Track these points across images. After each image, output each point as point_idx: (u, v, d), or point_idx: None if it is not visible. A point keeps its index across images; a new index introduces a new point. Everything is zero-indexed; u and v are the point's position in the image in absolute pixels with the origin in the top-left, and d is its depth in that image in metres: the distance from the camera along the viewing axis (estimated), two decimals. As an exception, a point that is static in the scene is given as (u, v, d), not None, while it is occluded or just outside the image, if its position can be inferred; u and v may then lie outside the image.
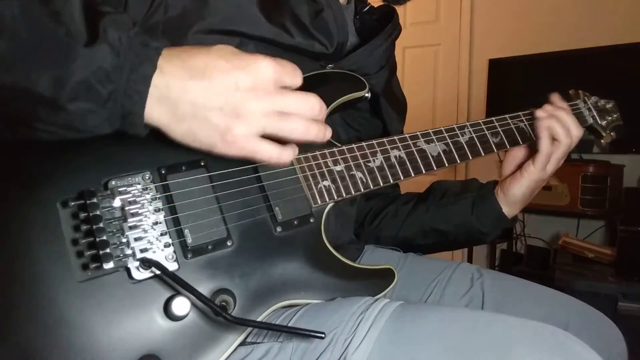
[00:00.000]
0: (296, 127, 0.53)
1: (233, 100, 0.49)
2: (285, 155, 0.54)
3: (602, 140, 0.97)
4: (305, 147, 0.66)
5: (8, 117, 0.48)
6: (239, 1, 0.65)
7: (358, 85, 0.76)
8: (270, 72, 0.51)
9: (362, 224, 0.99)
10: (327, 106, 0.72)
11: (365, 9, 0.89)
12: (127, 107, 0.48)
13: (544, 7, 2.75)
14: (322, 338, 0.52)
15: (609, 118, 0.99)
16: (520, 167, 0.86)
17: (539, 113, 0.83)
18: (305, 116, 0.53)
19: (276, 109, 0.51)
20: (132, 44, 0.48)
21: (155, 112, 0.49)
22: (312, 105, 0.54)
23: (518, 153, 0.88)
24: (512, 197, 0.85)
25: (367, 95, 0.76)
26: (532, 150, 0.85)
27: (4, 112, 0.48)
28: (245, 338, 0.56)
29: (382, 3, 0.92)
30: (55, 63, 0.46)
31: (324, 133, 0.55)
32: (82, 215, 0.51)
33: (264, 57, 0.51)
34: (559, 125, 0.81)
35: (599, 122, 0.97)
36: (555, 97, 0.86)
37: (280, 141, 0.53)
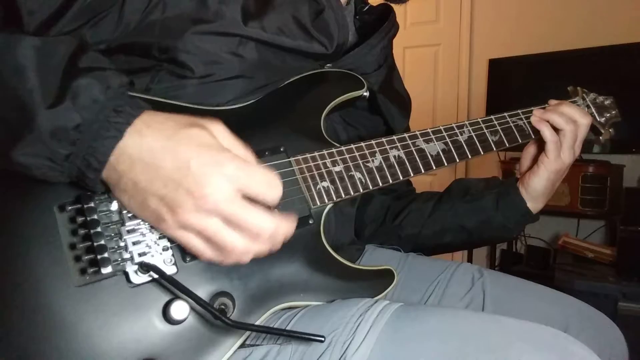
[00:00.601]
0: (233, 244, 0.48)
1: (174, 196, 0.46)
2: (218, 260, 0.50)
3: (600, 137, 0.97)
4: (303, 148, 0.66)
5: None
6: (233, 2, 0.64)
7: (356, 84, 0.75)
8: (230, 182, 0.46)
9: (383, 222, 0.98)
10: (326, 105, 0.72)
11: (365, 9, 0.89)
12: (82, 170, 0.47)
13: (544, 7, 2.75)
14: (321, 342, 0.51)
15: (608, 115, 0.99)
16: (536, 161, 0.87)
17: (536, 112, 0.85)
18: (251, 235, 0.48)
19: (222, 217, 0.47)
20: (103, 109, 0.46)
21: (104, 173, 0.48)
22: (261, 229, 0.48)
23: (532, 149, 0.89)
24: (534, 191, 0.86)
25: (365, 94, 0.76)
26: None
27: None
28: (244, 341, 0.56)
29: (381, 2, 0.92)
30: (15, 114, 0.45)
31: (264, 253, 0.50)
32: (80, 219, 0.51)
33: (229, 162, 0.47)
34: (555, 115, 0.82)
35: (598, 119, 0.97)
36: (552, 101, 0.88)
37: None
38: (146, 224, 0.53)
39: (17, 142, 0.45)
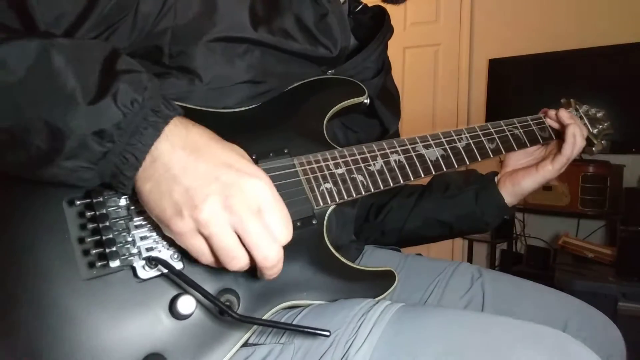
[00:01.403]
0: (238, 260, 0.48)
1: (203, 189, 0.46)
2: (216, 266, 0.50)
3: (593, 148, 0.99)
4: (306, 150, 0.66)
5: None
6: (244, 7, 0.65)
7: (357, 91, 0.77)
8: (258, 192, 0.47)
9: (366, 218, 1.00)
10: (329, 110, 0.73)
11: (359, 9, 0.89)
12: (120, 167, 0.47)
13: (544, 7, 2.76)
14: (327, 336, 0.52)
15: (600, 127, 1.02)
16: (533, 163, 0.91)
17: (569, 118, 0.90)
18: (257, 258, 0.48)
19: (236, 228, 0.47)
20: (142, 108, 0.47)
21: None
22: (269, 258, 0.48)
23: (531, 149, 0.94)
24: (521, 190, 0.90)
25: (366, 101, 0.77)
26: (546, 149, 0.93)
27: None
28: (248, 339, 0.56)
29: (375, 2, 0.93)
30: (57, 115, 0.45)
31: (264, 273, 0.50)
32: (89, 214, 0.51)
33: (264, 178, 0.48)
34: (579, 133, 0.88)
35: (591, 130, 1.00)
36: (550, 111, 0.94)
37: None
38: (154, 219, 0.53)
39: (62, 147, 0.45)
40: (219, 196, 0.46)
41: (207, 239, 0.47)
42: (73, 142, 0.46)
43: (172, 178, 0.47)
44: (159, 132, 0.47)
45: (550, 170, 0.88)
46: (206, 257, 0.49)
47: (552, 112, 0.93)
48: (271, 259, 0.48)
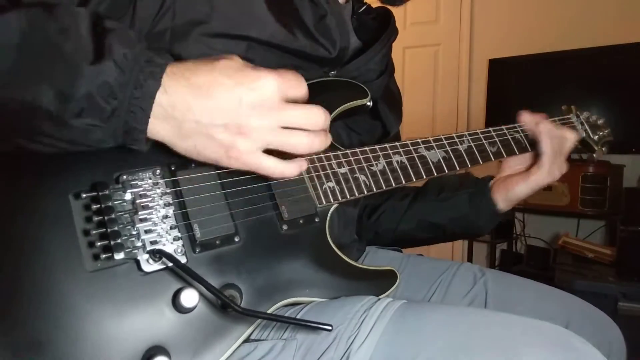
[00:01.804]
0: (300, 141, 0.54)
1: (236, 117, 0.51)
2: (289, 169, 0.55)
3: (594, 155, 1.00)
4: None
5: (6, 130, 0.49)
6: (245, 6, 0.65)
7: (360, 94, 0.77)
8: (273, 87, 0.52)
9: (359, 219, 1.00)
10: (330, 113, 0.73)
11: (363, 9, 0.89)
12: (130, 123, 0.49)
13: (544, 7, 2.76)
14: (329, 330, 0.52)
15: (601, 133, 1.02)
16: (525, 168, 0.89)
17: (534, 119, 0.87)
18: (310, 129, 0.55)
19: (280, 124, 0.53)
20: (136, 61, 0.49)
21: (160, 129, 0.51)
22: (317, 117, 0.55)
23: (526, 155, 0.91)
24: (514, 195, 0.88)
25: (368, 103, 0.77)
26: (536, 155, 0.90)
27: (2, 125, 0.48)
28: (250, 334, 0.56)
29: (379, 3, 0.93)
30: (61, 79, 0.47)
31: (326, 143, 0.57)
32: (94, 206, 0.52)
33: (267, 73, 0.52)
34: (550, 127, 0.85)
35: (591, 137, 1.00)
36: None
37: (286, 153, 0.55)
38: (158, 213, 0.54)
39: (69, 104, 0.47)
40: (253, 112, 0.51)
41: (268, 147, 0.53)
42: (79, 101, 0.47)
43: (206, 126, 0.51)
44: (158, 81, 0.49)
45: (540, 174, 0.85)
46: (274, 169, 0.54)
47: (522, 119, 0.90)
48: (319, 117, 0.55)
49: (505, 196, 0.89)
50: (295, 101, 0.55)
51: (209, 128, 0.51)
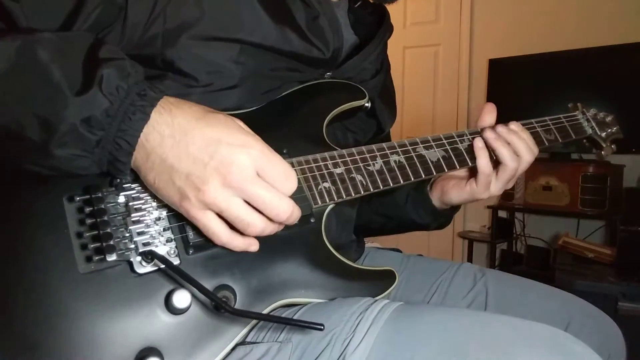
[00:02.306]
0: (254, 223, 0.51)
1: (201, 172, 0.49)
2: (234, 244, 0.53)
3: (602, 152, 0.98)
4: (305, 151, 0.66)
5: None
6: (236, 8, 0.65)
7: (358, 95, 0.77)
8: (253, 160, 0.49)
9: None
10: (328, 113, 0.73)
11: (358, 4, 0.89)
12: (114, 154, 0.49)
13: (544, 7, 2.76)
14: (320, 329, 0.52)
15: (609, 130, 1.00)
16: (465, 175, 0.84)
17: (485, 134, 0.78)
18: (269, 217, 0.52)
19: (242, 197, 0.50)
20: (128, 94, 0.49)
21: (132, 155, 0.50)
22: (283, 210, 0.51)
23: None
24: (449, 201, 0.85)
25: (367, 104, 0.77)
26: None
27: None
28: (245, 337, 0.56)
29: None
30: (46, 109, 0.47)
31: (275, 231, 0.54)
32: (87, 209, 0.52)
33: (256, 144, 0.50)
34: (502, 147, 0.76)
35: (599, 134, 0.98)
36: (513, 123, 0.82)
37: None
38: (151, 215, 0.54)
39: (53, 136, 0.47)
40: (217, 176, 0.49)
41: (219, 215, 0.50)
42: (64, 132, 0.47)
43: (169, 167, 0.49)
44: (147, 115, 0.49)
45: (475, 189, 0.79)
46: (220, 235, 0.51)
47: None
48: (283, 212, 0.51)
49: (439, 197, 0.86)
50: (273, 186, 0.51)
51: (171, 171, 0.49)
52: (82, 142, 0.48)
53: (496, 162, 0.78)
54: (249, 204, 0.51)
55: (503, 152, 0.76)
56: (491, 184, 0.78)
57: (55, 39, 0.49)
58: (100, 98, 0.47)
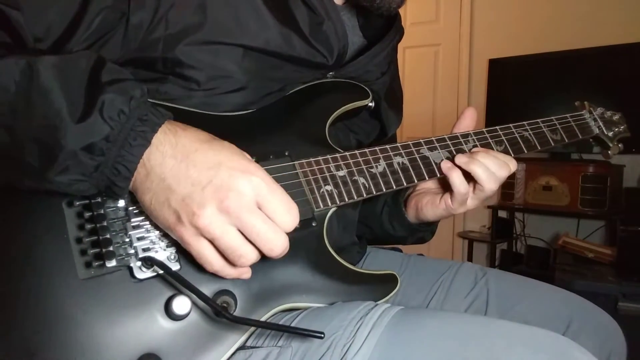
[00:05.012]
0: (247, 254, 0.48)
1: (198, 196, 0.47)
2: (226, 272, 0.51)
3: (609, 151, 0.97)
4: (307, 153, 0.66)
5: None
6: (239, 13, 0.64)
7: (361, 94, 0.76)
8: (254, 189, 0.48)
9: None
10: (331, 113, 0.72)
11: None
12: (112, 179, 0.48)
13: (544, 7, 2.75)
14: (321, 338, 0.52)
15: (616, 129, 0.99)
16: (438, 191, 0.81)
17: (457, 159, 0.74)
18: (263, 251, 0.49)
19: (237, 227, 0.48)
20: (129, 118, 0.47)
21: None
22: (278, 245, 0.49)
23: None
24: (424, 217, 0.82)
25: (370, 104, 0.76)
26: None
27: None
28: (245, 341, 0.56)
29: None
30: (46, 134, 0.46)
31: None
32: (87, 214, 0.52)
33: (258, 173, 0.49)
34: (478, 167, 0.72)
35: (606, 133, 0.97)
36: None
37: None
38: (151, 220, 0.53)
39: (53, 163, 0.46)
40: (214, 200, 0.47)
41: (211, 242, 0.48)
42: (64, 158, 0.46)
43: (167, 188, 0.48)
44: (147, 142, 0.48)
45: (450, 206, 0.76)
46: (212, 263, 0.49)
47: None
48: (277, 249, 0.49)
49: (414, 213, 0.83)
50: (271, 218, 0.49)
51: (168, 192, 0.48)
52: (80, 167, 0.47)
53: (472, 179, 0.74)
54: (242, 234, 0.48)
55: (479, 173, 0.72)
56: (468, 201, 0.76)
57: (57, 62, 0.48)
58: (101, 124, 0.46)
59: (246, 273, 0.52)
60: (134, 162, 0.48)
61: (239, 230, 0.48)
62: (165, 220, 0.49)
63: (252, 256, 0.49)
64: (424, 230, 0.87)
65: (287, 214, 0.49)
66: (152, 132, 0.48)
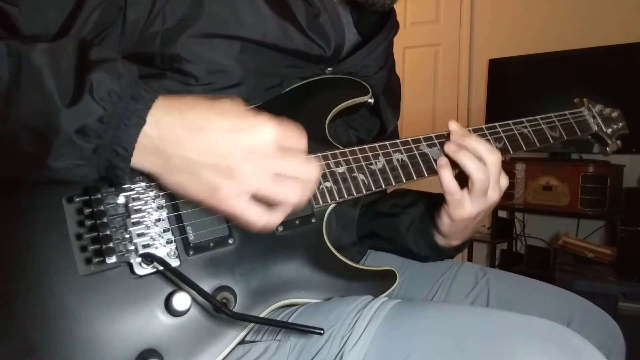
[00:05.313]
0: (292, 191, 0.51)
1: (228, 160, 0.48)
2: (273, 221, 0.52)
3: (607, 148, 0.97)
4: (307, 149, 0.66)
5: None
6: (236, 6, 0.64)
7: (361, 90, 0.76)
8: (271, 136, 0.49)
9: None
10: (331, 110, 0.72)
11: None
12: (111, 161, 0.48)
13: (544, 7, 2.75)
14: (320, 334, 0.52)
15: (615, 126, 0.99)
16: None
17: (447, 148, 0.72)
18: (303, 179, 0.52)
19: (274, 171, 0.50)
20: (121, 97, 0.47)
21: (148, 161, 0.49)
22: (311, 169, 0.52)
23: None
24: (441, 231, 0.79)
25: (370, 100, 0.76)
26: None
27: None
28: (245, 336, 0.56)
29: None
30: (39, 120, 0.46)
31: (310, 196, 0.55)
32: (87, 210, 0.52)
33: (267, 121, 0.50)
34: (467, 158, 0.69)
35: (604, 130, 0.97)
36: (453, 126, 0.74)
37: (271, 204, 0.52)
38: (151, 216, 0.54)
39: (49, 149, 0.46)
40: (245, 158, 0.49)
41: (256, 194, 0.50)
42: (59, 143, 0.46)
43: (193, 163, 0.49)
44: (142, 120, 0.48)
45: (448, 208, 0.73)
46: (259, 217, 0.51)
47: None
48: (315, 169, 0.52)
49: (440, 230, 0.78)
50: (294, 150, 0.52)
51: (196, 166, 0.49)
52: (78, 151, 0.47)
53: (464, 179, 0.72)
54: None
55: (467, 163, 0.69)
56: (465, 205, 0.72)
57: (47, 47, 0.48)
58: (93, 105, 0.46)
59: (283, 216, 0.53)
60: (131, 141, 0.48)
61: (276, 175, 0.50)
62: (200, 193, 0.50)
63: (299, 190, 0.51)
64: (449, 254, 0.84)
65: (301, 138, 0.53)
66: (147, 108, 0.48)
